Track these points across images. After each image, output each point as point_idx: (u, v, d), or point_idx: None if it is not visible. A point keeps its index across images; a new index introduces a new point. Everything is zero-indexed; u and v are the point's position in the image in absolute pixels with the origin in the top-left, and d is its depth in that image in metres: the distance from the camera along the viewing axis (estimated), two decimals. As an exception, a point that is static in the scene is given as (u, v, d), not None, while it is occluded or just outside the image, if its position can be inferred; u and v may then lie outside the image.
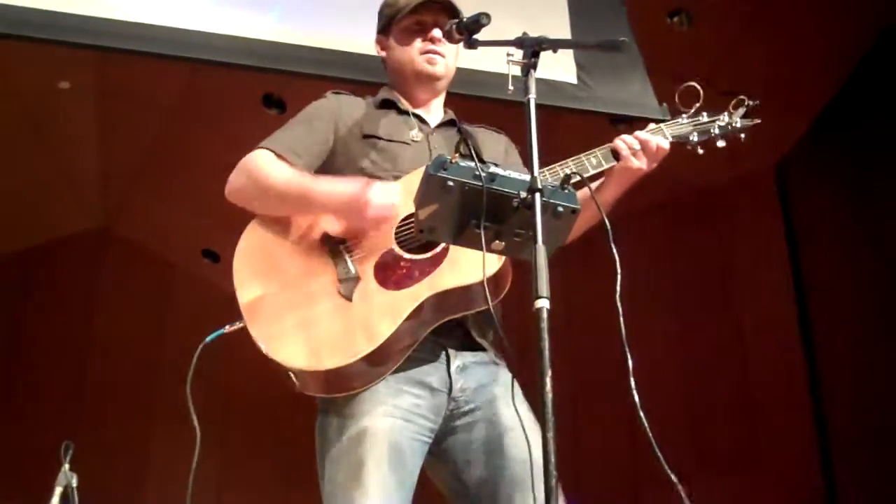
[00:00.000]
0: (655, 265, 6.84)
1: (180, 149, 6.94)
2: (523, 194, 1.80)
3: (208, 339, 2.26)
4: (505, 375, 2.28)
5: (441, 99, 2.62)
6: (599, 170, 2.31)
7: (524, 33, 2.02)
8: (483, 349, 2.29)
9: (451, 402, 2.22)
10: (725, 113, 2.48)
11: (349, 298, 2.16)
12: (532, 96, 1.91)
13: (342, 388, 2.13)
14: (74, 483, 3.47)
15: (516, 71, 2.01)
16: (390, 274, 2.17)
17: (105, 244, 8.15)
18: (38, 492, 3.54)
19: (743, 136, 2.49)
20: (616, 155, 2.34)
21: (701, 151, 2.47)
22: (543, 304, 1.70)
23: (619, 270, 1.82)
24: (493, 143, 2.57)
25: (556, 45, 2.02)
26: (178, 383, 7.86)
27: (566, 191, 1.85)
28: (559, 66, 4.16)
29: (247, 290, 2.25)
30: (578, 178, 1.98)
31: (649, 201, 6.75)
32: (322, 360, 2.09)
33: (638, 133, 2.35)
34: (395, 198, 2.19)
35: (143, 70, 5.62)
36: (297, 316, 2.17)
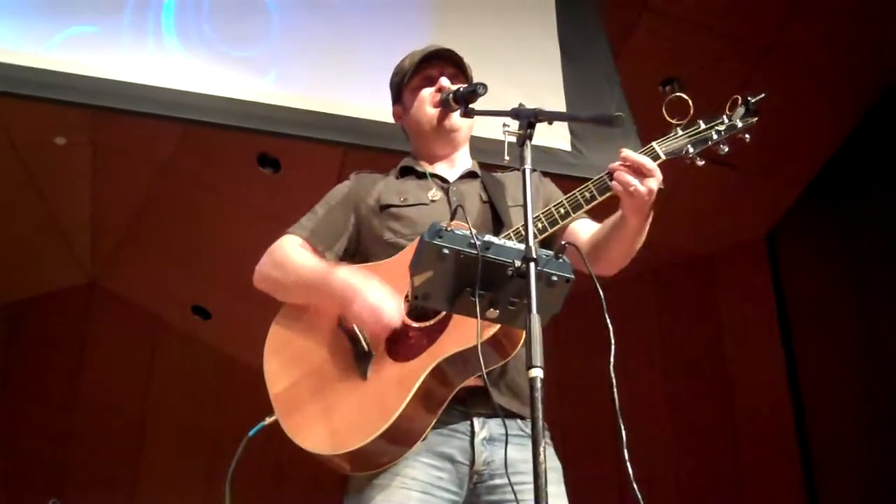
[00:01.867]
0: (647, 330, 6.85)
1: (172, 205, 6.95)
2: (518, 263, 1.79)
3: (251, 432, 2.25)
4: (551, 460, 2.17)
5: (465, 150, 2.61)
6: (594, 203, 2.21)
7: (520, 104, 2.03)
8: (516, 416, 2.21)
9: (475, 475, 2.16)
10: (724, 116, 2.27)
11: (364, 377, 2.15)
12: (528, 167, 1.92)
13: (372, 465, 2.12)
14: (60, 540, 3.43)
15: (513, 139, 2.01)
16: (400, 345, 2.16)
17: (94, 298, 8.13)
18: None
19: (748, 136, 2.28)
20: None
21: (701, 163, 2.28)
22: (537, 373, 1.68)
23: (612, 341, 1.82)
24: (519, 188, 2.49)
25: (551, 117, 2.03)
26: (166, 438, 7.83)
27: (560, 260, 1.85)
28: (553, 134, 4.20)
29: (275, 383, 2.27)
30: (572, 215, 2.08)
31: (641, 268, 6.77)
32: (342, 443, 2.08)
33: (623, 165, 2.13)
34: (385, 302, 2.17)
35: (137, 127, 5.66)
36: (319, 402, 2.18)
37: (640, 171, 2.10)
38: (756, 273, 6.73)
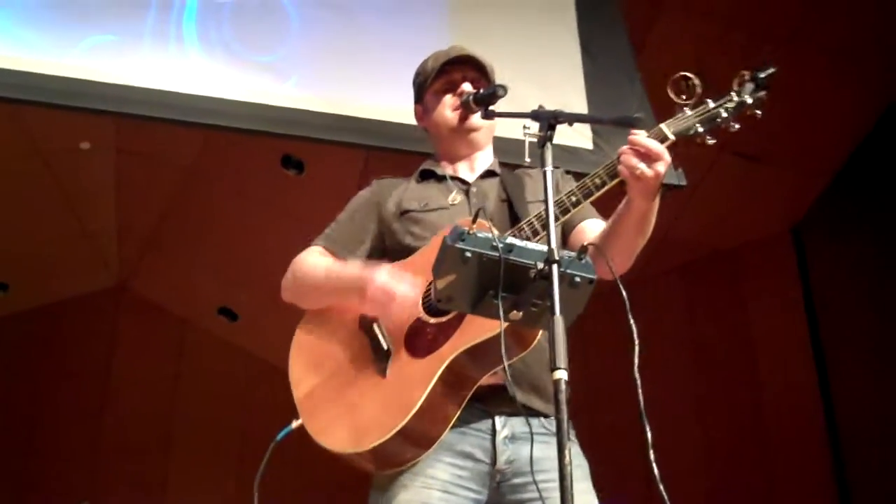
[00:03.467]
0: (673, 328, 6.82)
1: (197, 208, 7.00)
2: (540, 265, 1.79)
3: (279, 436, 2.27)
4: (577, 458, 2.17)
5: (487, 151, 2.61)
6: (605, 189, 2.16)
7: (540, 106, 2.03)
8: (539, 414, 2.21)
9: (497, 474, 2.17)
10: (732, 93, 2.15)
11: (384, 375, 2.17)
12: (549, 168, 1.91)
13: (395, 463, 2.13)
14: (90, 543, 3.46)
15: (533, 140, 2.02)
16: (419, 342, 2.16)
17: (122, 301, 8.20)
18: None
19: (759, 112, 2.16)
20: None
21: (712, 141, 2.18)
22: (562, 375, 1.69)
23: (636, 342, 1.81)
24: (541, 184, 2.46)
25: (571, 118, 2.02)
26: (193, 441, 7.87)
27: (583, 261, 1.84)
28: (575, 133, 4.20)
29: (299, 386, 2.30)
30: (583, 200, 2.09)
31: (667, 263, 6.75)
32: (363, 441, 2.09)
33: (630, 147, 2.07)
34: (398, 283, 2.20)
35: (161, 131, 5.69)
36: (341, 402, 2.20)
37: (649, 154, 2.06)
38: (783, 266, 6.69)
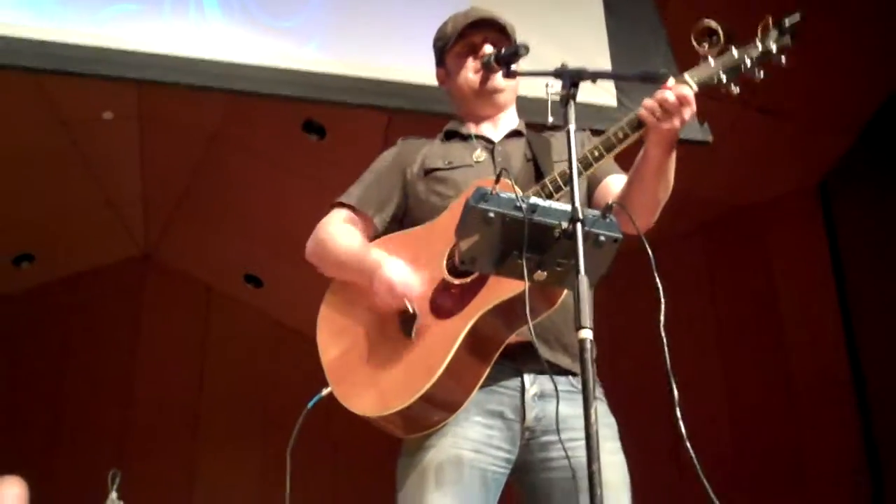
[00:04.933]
0: (697, 287, 6.80)
1: (221, 174, 7.02)
2: (564, 224, 1.78)
3: (310, 404, 2.30)
4: (604, 417, 2.19)
5: (511, 111, 2.60)
6: (628, 142, 2.15)
7: (563, 64, 2.01)
8: (567, 372, 2.21)
9: (526, 431, 2.18)
10: (757, 41, 2.11)
11: (410, 338, 2.17)
12: (572, 126, 1.90)
13: (423, 426, 2.14)
14: (121, 511, 3.51)
15: (556, 98, 2.00)
16: (444, 303, 2.16)
17: (148, 270, 8.26)
18: (86, 520, 3.58)
19: (784, 58, 2.10)
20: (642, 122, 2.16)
21: (736, 90, 2.14)
22: (587, 334, 1.68)
23: (662, 299, 1.80)
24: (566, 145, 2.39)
25: (594, 76, 2.01)
26: (221, 408, 7.93)
27: (608, 220, 1.83)
28: (600, 90, 4.16)
29: (327, 352, 2.31)
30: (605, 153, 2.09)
31: (689, 222, 6.71)
32: (389, 404, 2.09)
33: (658, 93, 2.09)
34: (402, 281, 2.20)
35: (184, 98, 5.70)
36: (367, 367, 2.20)
37: (679, 99, 2.07)
38: (808, 222, 6.62)
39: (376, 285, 2.21)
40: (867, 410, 6.08)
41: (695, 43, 2.14)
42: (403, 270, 2.22)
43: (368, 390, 2.16)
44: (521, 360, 2.18)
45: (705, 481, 1.72)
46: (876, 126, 6.21)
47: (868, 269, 6.25)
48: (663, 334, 1.77)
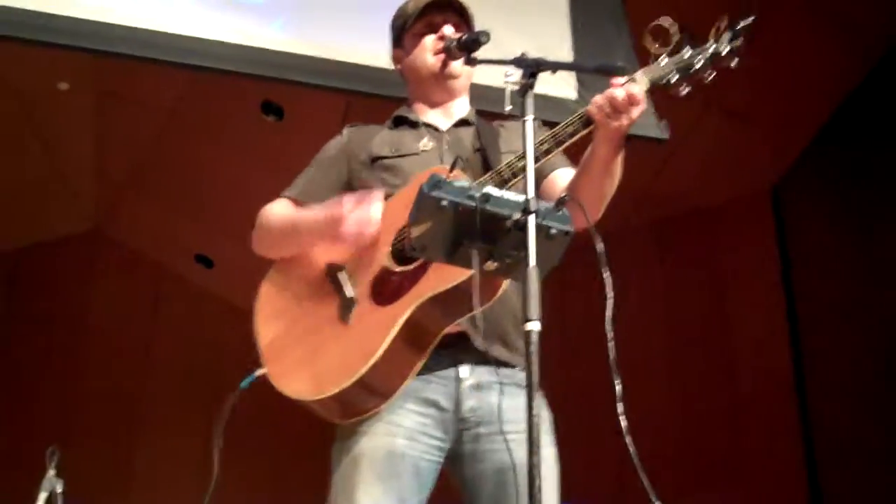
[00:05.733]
0: (648, 283, 6.85)
1: (176, 153, 6.93)
2: (517, 216, 1.78)
3: (243, 384, 2.27)
4: (543, 411, 2.18)
5: (463, 99, 2.59)
6: (578, 136, 2.17)
7: (523, 53, 2.01)
8: (506, 364, 2.20)
9: (460, 421, 2.18)
10: (711, 41, 2.13)
11: (348, 323, 2.15)
12: (530, 117, 1.90)
13: (357, 411, 2.13)
14: (59, 489, 3.46)
15: (514, 88, 1.99)
16: (384, 290, 2.16)
17: (97, 246, 8.12)
18: (22, 497, 3.52)
19: (735, 61, 2.12)
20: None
21: (686, 90, 2.16)
22: (534, 326, 1.69)
23: (610, 294, 1.81)
24: (515, 136, 2.36)
25: (554, 66, 2.01)
26: (167, 388, 7.84)
27: (560, 212, 1.83)
28: (560, 81, 4.15)
29: (263, 334, 2.30)
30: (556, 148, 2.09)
31: (644, 218, 6.75)
32: (324, 388, 2.09)
33: (607, 91, 2.11)
34: (372, 208, 2.19)
35: (142, 73, 5.62)
36: (303, 350, 2.19)
37: (628, 98, 2.08)
38: (760, 226, 6.71)
39: (347, 226, 2.17)
40: (806, 408, 6.18)
41: (648, 42, 2.15)
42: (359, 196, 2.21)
43: (303, 373, 2.15)
44: (458, 350, 2.18)
45: (643, 476, 1.73)
46: (830, 130, 6.29)
47: (816, 273, 6.34)
48: (610, 329, 1.78)
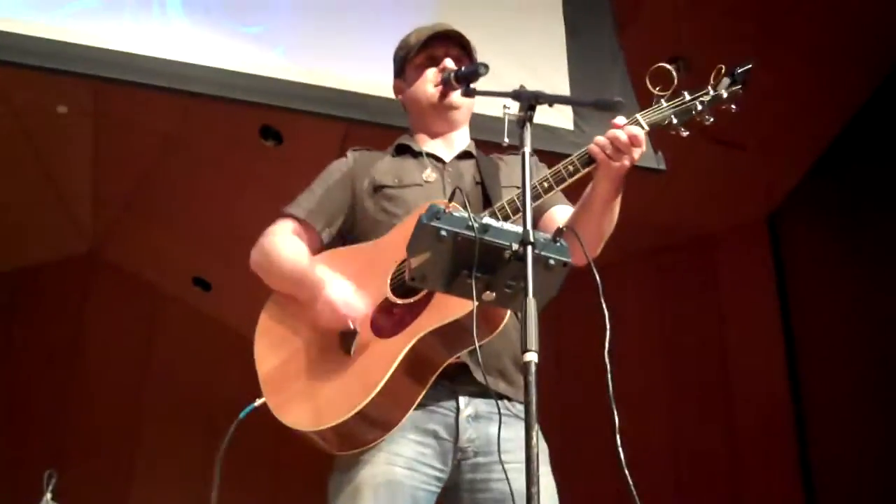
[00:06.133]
0: (646, 311, 6.85)
1: (175, 176, 6.94)
2: (515, 246, 1.79)
3: (242, 414, 2.28)
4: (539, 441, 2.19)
5: (463, 131, 2.62)
6: (578, 176, 2.20)
7: (521, 86, 2.03)
8: (503, 397, 2.21)
9: (458, 451, 2.18)
10: (709, 87, 2.22)
11: (349, 354, 2.16)
12: (527, 149, 1.92)
13: (357, 443, 2.13)
14: (56, 512, 3.45)
15: (513, 120, 2.01)
16: (385, 322, 2.16)
17: (94, 269, 8.12)
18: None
19: (734, 106, 2.22)
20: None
21: (685, 133, 2.25)
22: (532, 357, 1.69)
23: (608, 325, 1.81)
24: (515, 170, 2.44)
25: (551, 100, 2.03)
26: (163, 411, 7.79)
27: (558, 244, 1.84)
28: (556, 113, 4.19)
29: (263, 363, 2.29)
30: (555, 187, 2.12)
31: (642, 247, 6.76)
32: (323, 419, 2.09)
33: (610, 132, 2.15)
34: (345, 298, 2.20)
35: (141, 97, 5.64)
36: (304, 380, 2.19)
37: (633, 142, 2.12)
38: (757, 255, 6.72)
39: (320, 305, 2.21)
40: (804, 438, 6.16)
41: (649, 84, 2.20)
42: (347, 291, 2.22)
43: (303, 404, 2.15)
44: (458, 381, 2.19)
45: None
46: (827, 160, 6.31)
47: (813, 302, 6.34)
48: (608, 361, 1.79)
